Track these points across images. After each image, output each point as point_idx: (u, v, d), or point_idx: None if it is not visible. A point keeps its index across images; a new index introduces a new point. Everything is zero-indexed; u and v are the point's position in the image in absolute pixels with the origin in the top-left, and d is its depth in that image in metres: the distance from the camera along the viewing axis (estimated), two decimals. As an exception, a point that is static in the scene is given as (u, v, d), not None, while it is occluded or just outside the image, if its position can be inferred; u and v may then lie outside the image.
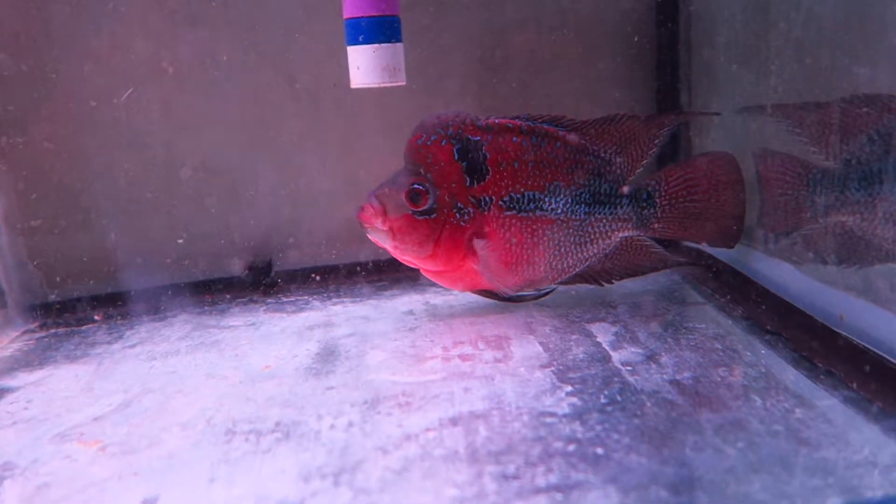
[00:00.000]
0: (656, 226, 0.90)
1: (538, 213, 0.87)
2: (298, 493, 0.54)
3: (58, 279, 1.03)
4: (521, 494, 0.52)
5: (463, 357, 0.78)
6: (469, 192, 0.86)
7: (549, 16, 1.09)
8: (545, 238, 0.88)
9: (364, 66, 0.93)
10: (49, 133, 1.01)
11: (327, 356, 0.82)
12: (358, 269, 1.12)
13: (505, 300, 0.92)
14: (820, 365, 0.69)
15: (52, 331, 0.97)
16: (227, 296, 1.07)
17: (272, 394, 0.72)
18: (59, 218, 1.03)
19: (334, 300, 1.04)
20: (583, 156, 0.89)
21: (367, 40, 0.91)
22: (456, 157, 0.86)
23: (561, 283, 0.92)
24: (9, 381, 0.80)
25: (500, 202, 0.86)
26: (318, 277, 1.11)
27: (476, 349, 0.80)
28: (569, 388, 0.69)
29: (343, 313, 0.97)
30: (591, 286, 0.92)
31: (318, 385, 0.74)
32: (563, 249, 0.89)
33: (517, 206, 0.87)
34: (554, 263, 0.89)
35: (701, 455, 0.55)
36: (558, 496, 0.52)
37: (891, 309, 0.64)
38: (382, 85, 0.93)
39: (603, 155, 0.89)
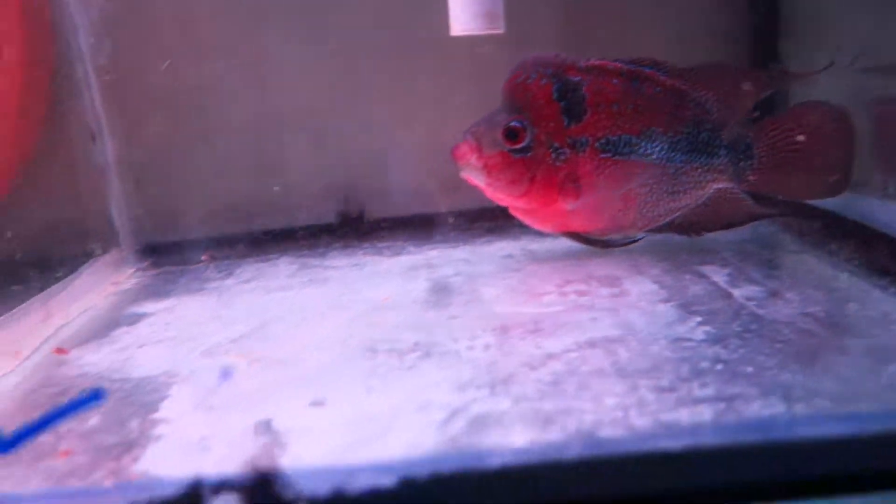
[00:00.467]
0: (752, 178, 0.90)
1: (633, 157, 0.87)
2: (459, 400, 0.56)
3: (164, 221, 1.06)
4: (683, 403, 0.53)
5: (579, 293, 0.80)
6: (566, 133, 0.86)
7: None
8: (639, 183, 0.88)
9: (464, 12, 0.93)
10: (159, 78, 1.03)
11: (441, 291, 0.83)
12: (448, 218, 1.13)
13: (593, 244, 0.93)
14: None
15: (163, 269, 1.00)
16: (324, 241, 1.09)
17: (398, 321, 0.74)
18: (166, 162, 1.05)
19: (429, 246, 1.05)
20: (682, 102, 0.89)
21: (469, -13, 0.91)
22: (555, 96, 0.86)
23: (650, 230, 0.92)
24: (140, 309, 0.83)
25: (596, 144, 0.86)
26: (408, 226, 1.12)
27: (589, 286, 0.81)
28: (698, 319, 0.69)
29: (442, 257, 0.99)
30: (681, 237, 0.92)
31: (441, 315, 0.75)
32: (655, 196, 0.89)
33: (613, 149, 0.87)
34: (645, 210, 0.89)
35: (856, 373, 0.56)
36: (721, 405, 0.53)
37: None
38: (481, 32, 0.94)
39: (703, 103, 0.89)
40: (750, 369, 0.58)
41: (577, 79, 0.86)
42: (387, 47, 1.09)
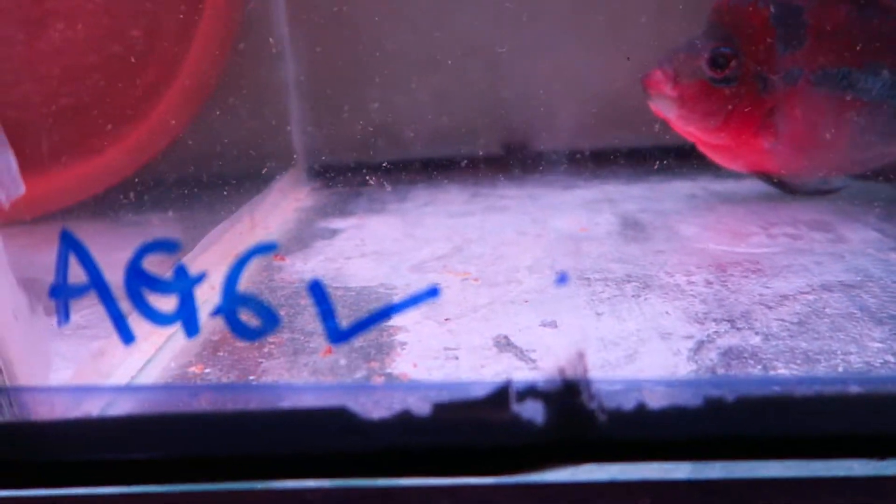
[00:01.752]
0: None
1: (851, 92, 0.79)
2: (700, 331, 0.53)
3: (336, 145, 1.07)
4: (962, 354, 0.49)
5: (790, 236, 0.74)
6: (779, 62, 0.79)
7: None
8: (853, 123, 0.80)
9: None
10: (338, 8, 1.03)
11: (633, 226, 0.80)
12: (614, 155, 1.09)
13: (788, 189, 0.86)
14: None
15: (337, 189, 1.01)
16: (490, 172, 1.07)
17: (601, 252, 0.72)
18: (340, 87, 1.06)
19: (601, 182, 1.02)
20: None
21: None
22: (772, 21, 0.78)
23: (855, 177, 0.84)
24: (331, 225, 0.84)
25: (812, 76, 0.79)
26: (575, 160, 1.09)
27: (798, 230, 0.76)
28: (943, 269, 0.63)
29: (619, 192, 0.95)
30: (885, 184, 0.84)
31: (645, 248, 0.72)
32: (868, 138, 0.80)
33: (829, 83, 0.78)
34: (854, 153, 0.82)
35: None
36: None
37: None
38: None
39: None
40: None
41: (799, 4, 0.78)
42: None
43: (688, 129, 0.84)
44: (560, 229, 0.79)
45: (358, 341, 0.52)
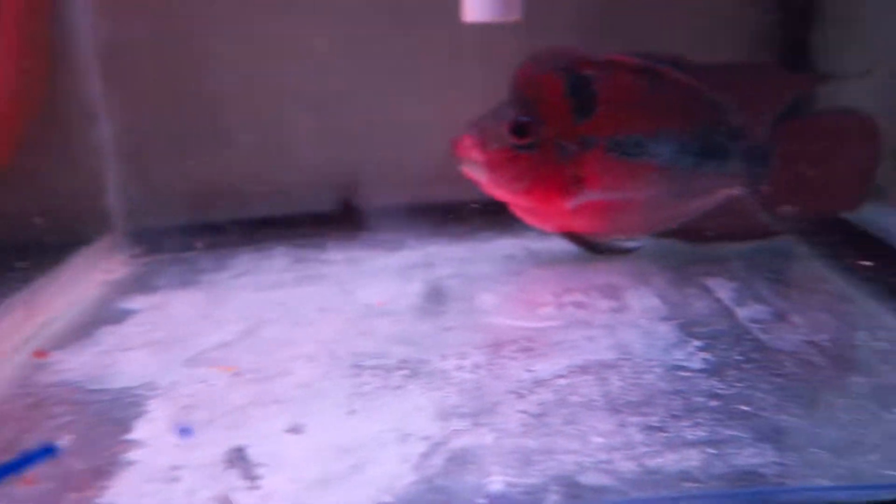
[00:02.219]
0: (766, 188, 0.85)
1: (643, 158, 0.83)
2: (441, 431, 0.54)
3: (160, 207, 1.04)
4: (672, 447, 0.51)
5: (577, 305, 0.77)
6: (574, 130, 0.82)
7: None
8: (647, 186, 0.84)
9: (477, -1, 0.89)
10: (157, 59, 1.00)
11: (436, 297, 0.81)
12: (450, 210, 1.10)
13: (593, 249, 0.89)
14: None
15: (157, 256, 0.98)
16: (322, 231, 1.07)
17: (389, 332, 0.72)
18: (161, 147, 1.03)
19: (430, 240, 1.03)
20: (698, 102, 0.84)
21: (482, -30, 0.87)
22: (566, 91, 0.82)
23: (654, 236, 0.88)
24: (129, 304, 0.81)
25: (605, 143, 0.82)
26: (410, 216, 1.10)
27: (589, 297, 0.79)
28: (698, 343, 0.67)
29: (441, 253, 0.97)
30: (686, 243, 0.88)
31: (436, 325, 0.73)
32: (662, 200, 0.85)
33: (622, 149, 0.83)
34: (652, 215, 0.86)
35: (858, 418, 0.53)
36: (711, 450, 0.50)
37: None
38: (497, 20, 0.89)
39: (719, 104, 0.85)
40: (746, 408, 0.55)
41: (590, 74, 0.82)
42: (394, 31, 1.04)
43: (497, 192, 0.86)
44: (363, 303, 0.79)
45: (80, 461, 0.50)
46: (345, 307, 0.79)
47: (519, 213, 0.89)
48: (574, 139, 0.82)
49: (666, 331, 0.70)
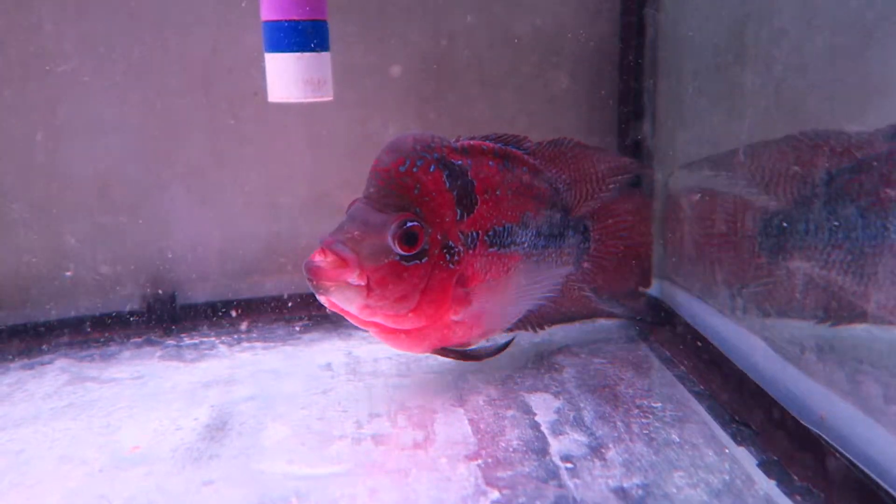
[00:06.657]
0: (585, 265, 0.82)
1: (513, 248, 0.74)
2: None
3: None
4: None
5: (377, 439, 0.66)
6: (458, 227, 0.69)
7: (500, 27, 0.97)
8: (516, 277, 0.74)
9: (284, 77, 0.79)
10: None
11: (217, 430, 0.68)
12: (274, 304, 0.98)
13: (467, 358, 0.76)
14: (796, 478, 0.58)
15: None
16: (119, 336, 0.92)
17: (130, 494, 0.58)
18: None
19: (244, 344, 0.90)
20: (541, 182, 0.77)
21: (289, 48, 0.78)
22: (447, 185, 0.69)
23: (507, 329, 0.79)
24: None
25: (486, 237, 0.71)
26: (227, 314, 0.97)
27: (394, 426, 0.68)
28: (495, 495, 0.57)
29: (251, 362, 0.84)
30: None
31: (193, 478, 0.60)
32: (523, 290, 0.76)
33: (499, 241, 0.72)
34: (515, 307, 0.76)
35: None
36: None
37: (880, 420, 0.53)
38: (304, 100, 0.80)
39: (553, 182, 0.79)
40: None
41: (460, 162, 0.70)
42: (202, 109, 0.94)
43: (373, 319, 0.68)
44: (117, 447, 0.66)
45: None
46: (93, 454, 0.64)
47: (387, 339, 0.72)
48: (457, 238, 0.69)
49: (464, 476, 0.59)
